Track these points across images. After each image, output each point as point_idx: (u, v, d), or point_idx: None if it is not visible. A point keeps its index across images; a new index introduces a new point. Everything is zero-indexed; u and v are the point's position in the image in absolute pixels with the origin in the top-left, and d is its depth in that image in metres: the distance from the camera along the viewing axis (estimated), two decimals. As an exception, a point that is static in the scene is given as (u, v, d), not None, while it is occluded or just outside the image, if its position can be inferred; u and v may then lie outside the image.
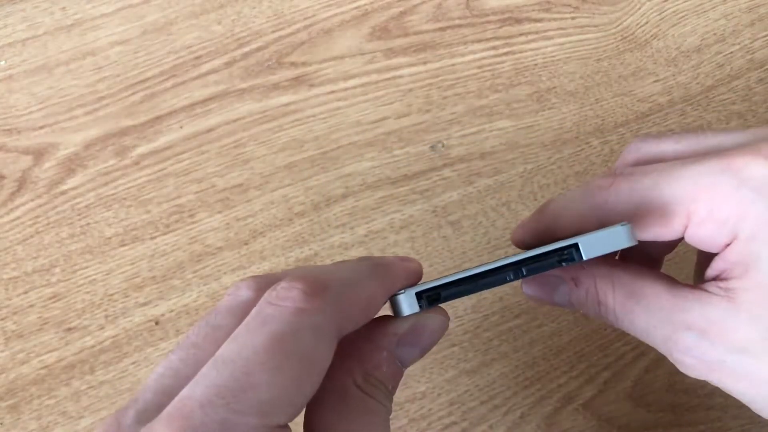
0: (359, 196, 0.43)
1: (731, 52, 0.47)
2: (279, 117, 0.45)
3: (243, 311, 0.22)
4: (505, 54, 0.47)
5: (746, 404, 0.26)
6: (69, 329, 0.40)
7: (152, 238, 0.42)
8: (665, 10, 0.48)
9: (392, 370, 0.25)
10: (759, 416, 0.27)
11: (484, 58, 0.46)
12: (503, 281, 0.25)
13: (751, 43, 0.47)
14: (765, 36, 0.47)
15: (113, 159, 0.44)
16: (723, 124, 0.45)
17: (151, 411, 0.20)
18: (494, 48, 0.47)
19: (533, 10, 0.48)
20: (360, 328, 0.24)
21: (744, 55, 0.46)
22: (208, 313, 0.23)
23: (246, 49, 0.46)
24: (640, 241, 0.31)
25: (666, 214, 0.26)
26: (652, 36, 0.47)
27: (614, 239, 0.24)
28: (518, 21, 0.47)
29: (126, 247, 0.42)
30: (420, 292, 0.25)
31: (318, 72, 0.46)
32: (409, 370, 0.39)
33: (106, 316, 0.40)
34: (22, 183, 0.43)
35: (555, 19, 0.47)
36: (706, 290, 0.26)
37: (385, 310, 0.26)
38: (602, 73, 0.46)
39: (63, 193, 0.43)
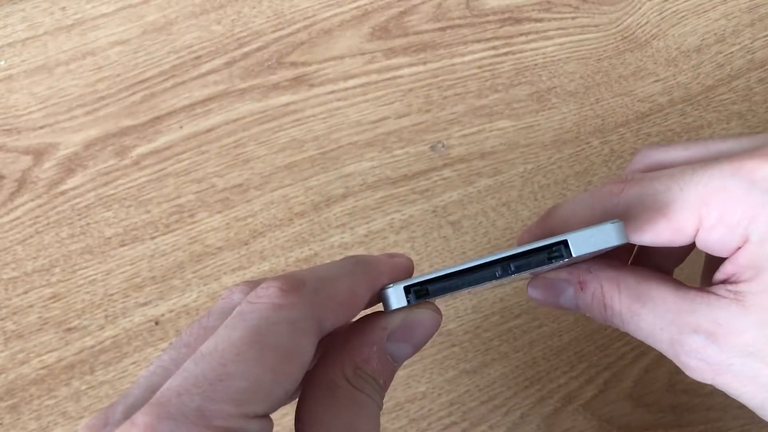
0: (359, 196, 0.43)
1: (731, 52, 0.47)
2: (279, 117, 0.45)
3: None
4: (505, 54, 0.46)
5: (753, 409, 0.26)
6: (69, 329, 0.40)
7: (152, 238, 0.42)
8: (665, 10, 0.48)
9: (383, 365, 0.25)
10: (759, 417, 0.27)
11: (484, 58, 0.46)
12: (492, 277, 0.25)
13: (751, 43, 0.47)
14: (765, 36, 0.47)
15: (113, 159, 0.44)
16: (723, 124, 0.45)
17: (138, 406, 0.20)
18: (494, 48, 0.47)
19: (533, 10, 0.48)
20: (352, 323, 0.25)
21: (744, 55, 0.46)
22: (202, 315, 0.24)
23: (246, 49, 0.46)
24: (650, 253, 0.31)
25: (677, 219, 0.26)
26: (652, 36, 0.47)
27: (604, 236, 0.24)
28: (518, 21, 0.47)
29: (126, 247, 0.42)
30: (408, 286, 0.25)
31: (318, 72, 0.46)
32: (410, 371, 0.39)
33: (106, 316, 0.40)
34: (22, 183, 0.43)
35: (555, 19, 0.47)
36: (714, 293, 0.26)
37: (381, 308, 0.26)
38: (602, 73, 0.46)
39: (63, 193, 0.43)
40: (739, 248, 0.25)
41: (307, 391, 0.23)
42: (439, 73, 0.46)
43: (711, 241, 0.26)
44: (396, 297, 0.24)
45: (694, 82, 0.46)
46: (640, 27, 0.47)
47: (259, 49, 0.46)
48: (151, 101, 0.45)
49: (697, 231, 0.26)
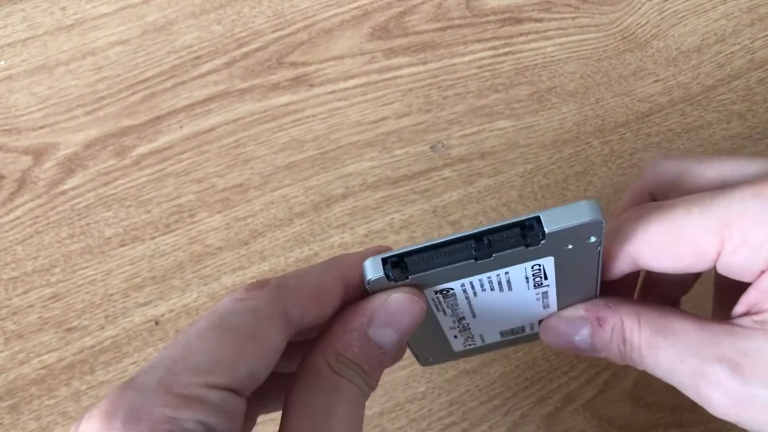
0: (359, 196, 0.43)
1: (731, 52, 0.47)
2: (279, 117, 0.45)
3: None
4: (505, 54, 0.47)
5: None
6: (69, 329, 0.40)
7: (152, 238, 0.42)
8: (665, 10, 0.48)
9: (365, 351, 0.25)
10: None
11: (484, 58, 0.46)
12: (470, 257, 0.24)
13: (751, 43, 0.47)
14: (765, 36, 0.47)
15: (113, 159, 0.44)
16: (723, 124, 0.45)
17: None
18: (494, 48, 0.47)
19: (533, 10, 0.48)
20: (338, 313, 0.25)
21: (744, 55, 0.46)
22: None
23: (246, 49, 0.46)
24: (657, 282, 0.31)
25: (699, 243, 0.25)
26: (652, 36, 0.47)
27: (578, 213, 0.23)
28: (518, 21, 0.47)
29: (126, 247, 0.42)
30: (385, 257, 0.24)
31: (318, 72, 0.46)
32: (410, 371, 0.39)
33: (106, 317, 0.40)
34: (22, 183, 0.43)
35: (555, 19, 0.47)
36: (738, 324, 0.25)
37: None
38: (602, 73, 0.46)
39: (63, 193, 0.43)
40: (763, 272, 0.25)
41: (295, 380, 0.24)
42: (439, 73, 0.46)
43: (734, 265, 0.25)
44: (373, 267, 0.24)
45: (694, 82, 0.46)
46: (640, 27, 0.47)
47: (259, 49, 0.46)
48: (151, 101, 0.45)
49: (719, 255, 0.25)
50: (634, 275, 0.30)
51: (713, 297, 0.31)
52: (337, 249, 0.42)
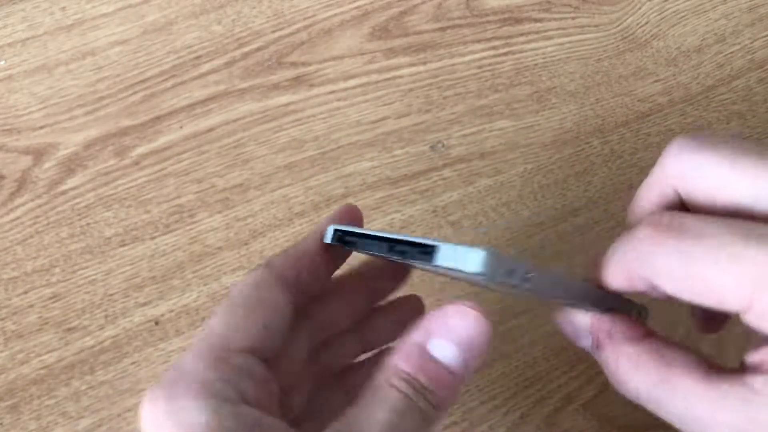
0: (359, 196, 0.43)
1: (731, 52, 0.47)
2: (279, 117, 0.45)
3: None
4: (505, 54, 0.47)
5: None
6: (69, 329, 0.40)
7: (152, 238, 0.42)
8: (665, 10, 0.48)
9: (421, 364, 0.24)
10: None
11: (484, 58, 0.46)
12: (384, 253, 0.26)
13: (751, 43, 0.47)
14: (765, 36, 0.47)
15: (113, 159, 0.44)
16: (723, 124, 0.45)
17: None
18: (494, 48, 0.47)
19: (533, 10, 0.48)
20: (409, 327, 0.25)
21: (744, 55, 0.46)
22: None
23: (246, 49, 0.46)
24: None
25: (725, 299, 0.23)
26: (652, 36, 0.47)
27: (465, 259, 0.22)
28: (518, 21, 0.47)
29: (126, 247, 0.42)
30: (337, 229, 0.28)
31: (318, 72, 0.46)
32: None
33: (106, 316, 0.40)
34: (22, 183, 0.43)
35: (555, 19, 0.47)
36: (750, 385, 0.23)
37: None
38: (602, 73, 0.46)
39: (63, 193, 0.43)
40: None
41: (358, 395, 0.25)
42: (439, 73, 0.46)
43: (761, 327, 0.23)
44: (329, 234, 0.28)
45: (694, 82, 0.46)
46: (640, 27, 0.47)
47: (259, 49, 0.46)
48: (151, 101, 0.45)
49: (746, 312, 0.23)
50: None
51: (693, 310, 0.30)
52: (337, 249, 0.42)
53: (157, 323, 0.40)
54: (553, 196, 0.43)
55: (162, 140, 0.44)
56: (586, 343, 0.28)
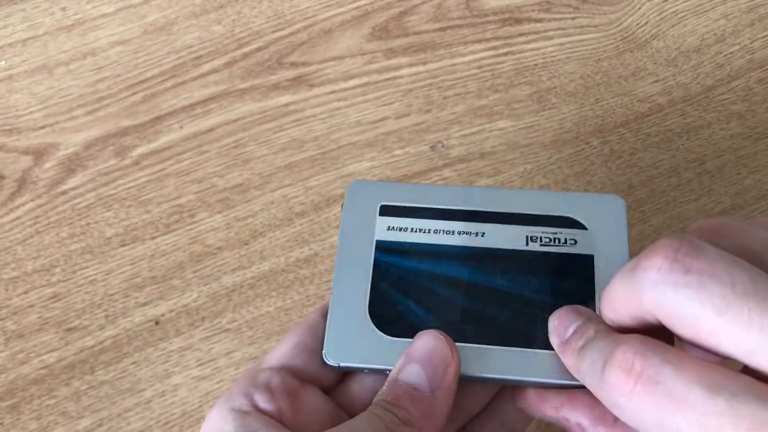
0: (359, 196, 0.43)
1: (731, 53, 0.47)
2: (279, 117, 0.45)
3: None
4: (505, 54, 0.47)
5: None
6: (69, 329, 0.40)
7: (152, 238, 0.42)
8: (665, 11, 0.48)
9: (391, 389, 0.26)
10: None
11: (484, 58, 0.46)
12: None
13: (751, 43, 0.47)
14: (765, 36, 0.47)
15: (113, 159, 0.44)
16: (723, 124, 0.45)
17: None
18: (494, 48, 0.47)
19: (533, 10, 0.48)
20: None
21: (744, 55, 0.47)
22: None
23: (246, 49, 0.46)
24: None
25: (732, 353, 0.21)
26: (652, 36, 0.47)
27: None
28: (518, 21, 0.47)
29: (126, 247, 0.42)
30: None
31: (318, 72, 0.46)
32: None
33: (106, 316, 0.40)
34: (22, 183, 0.43)
35: (555, 19, 0.47)
36: None
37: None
38: (602, 73, 0.46)
39: (63, 193, 0.43)
40: None
41: None
42: (439, 73, 0.46)
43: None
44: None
45: (693, 83, 0.46)
46: (639, 27, 0.47)
47: (259, 50, 0.47)
48: (151, 101, 0.45)
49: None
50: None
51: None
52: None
53: (157, 323, 0.40)
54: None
55: (162, 140, 0.44)
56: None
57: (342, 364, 0.28)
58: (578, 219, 0.29)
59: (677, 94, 0.45)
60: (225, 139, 0.44)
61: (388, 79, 0.46)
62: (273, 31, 0.47)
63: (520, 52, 0.47)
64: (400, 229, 0.30)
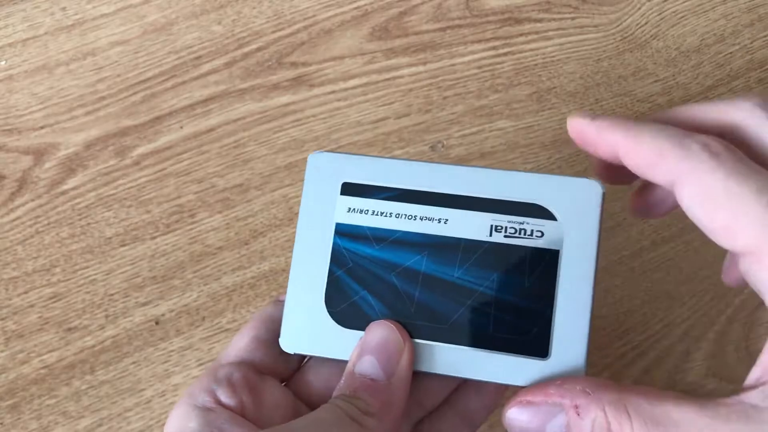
0: (359, 196, 0.43)
1: (731, 53, 0.47)
2: (279, 117, 0.45)
3: None
4: (505, 54, 0.47)
5: None
6: (69, 329, 0.40)
7: (152, 238, 0.42)
8: (665, 11, 0.48)
9: (349, 382, 0.27)
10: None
11: (484, 58, 0.46)
12: None
13: (750, 43, 0.47)
14: (765, 36, 0.47)
15: (113, 159, 0.44)
16: (723, 124, 0.45)
17: None
18: (494, 48, 0.47)
19: (533, 11, 0.48)
20: None
21: (744, 55, 0.47)
22: None
23: (246, 49, 0.47)
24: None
25: (735, 233, 0.23)
26: (651, 36, 0.47)
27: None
28: (518, 21, 0.47)
29: (126, 247, 0.42)
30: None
31: (318, 72, 0.46)
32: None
33: (107, 316, 0.40)
34: (22, 183, 0.43)
35: (555, 20, 0.47)
36: (750, 404, 0.22)
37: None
38: (602, 73, 0.46)
39: (63, 193, 0.43)
40: None
41: None
42: (439, 73, 0.46)
43: (757, 274, 0.23)
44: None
45: (693, 83, 0.46)
46: (639, 27, 0.47)
47: (259, 50, 0.47)
48: (151, 101, 0.45)
49: (747, 259, 0.23)
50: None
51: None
52: (337, 249, 0.42)
53: (157, 323, 0.40)
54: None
55: (162, 140, 0.44)
56: (559, 421, 0.25)
57: (297, 352, 0.28)
58: (549, 208, 0.28)
59: (677, 94, 0.46)
60: (225, 139, 0.44)
61: (388, 79, 0.46)
62: (273, 31, 0.47)
63: (520, 52, 0.47)
64: (361, 212, 0.29)
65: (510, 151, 0.44)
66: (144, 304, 0.41)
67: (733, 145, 0.24)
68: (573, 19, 0.48)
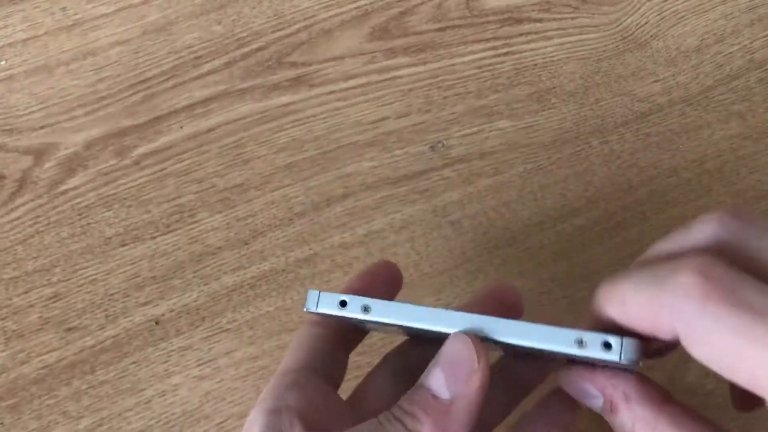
0: (359, 196, 0.43)
1: (731, 53, 0.47)
2: (279, 117, 0.45)
3: None
4: (505, 54, 0.47)
5: None
6: (69, 329, 0.40)
7: (152, 238, 0.42)
8: (665, 11, 0.48)
9: (410, 396, 0.26)
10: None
11: (484, 58, 0.46)
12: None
13: (750, 43, 0.47)
14: (764, 36, 0.47)
15: (114, 159, 0.44)
16: (722, 124, 0.45)
17: None
18: (494, 48, 0.47)
19: (533, 10, 0.48)
20: None
21: (744, 55, 0.47)
22: None
23: (246, 49, 0.47)
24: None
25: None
26: (651, 36, 0.47)
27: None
28: (518, 21, 0.47)
29: (126, 247, 0.42)
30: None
31: (318, 72, 0.46)
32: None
33: (107, 316, 0.40)
34: (22, 183, 0.43)
35: (555, 19, 0.47)
36: None
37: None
38: (602, 73, 0.46)
39: (63, 193, 0.43)
40: None
41: None
42: (439, 73, 0.46)
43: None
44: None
45: (693, 82, 0.46)
46: (639, 27, 0.47)
47: (259, 50, 0.47)
48: (151, 101, 0.45)
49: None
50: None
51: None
52: (337, 249, 0.42)
53: (157, 323, 0.40)
54: (553, 196, 0.43)
55: (162, 140, 0.44)
56: (595, 403, 0.26)
57: (318, 311, 0.28)
58: None
59: (677, 94, 0.46)
60: (225, 139, 0.44)
61: (388, 79, 0.46)
62: (273, 31, 0.47)
63: (520, 52, 0.47)
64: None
65: (510, 151, 0.44)
66: (144, 304, 0.41)
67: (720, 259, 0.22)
68: (573, 19, 0.48)
